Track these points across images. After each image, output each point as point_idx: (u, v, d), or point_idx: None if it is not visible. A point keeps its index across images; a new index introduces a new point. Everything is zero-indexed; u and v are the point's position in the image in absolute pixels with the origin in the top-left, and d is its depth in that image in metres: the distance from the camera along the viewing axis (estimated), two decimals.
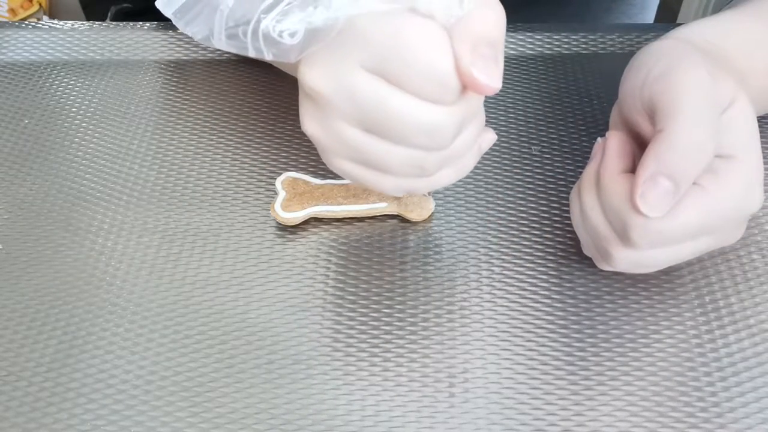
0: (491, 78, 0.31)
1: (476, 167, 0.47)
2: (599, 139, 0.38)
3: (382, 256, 0.43)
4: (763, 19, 0.42)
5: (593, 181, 0.37)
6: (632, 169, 0.34)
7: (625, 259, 0.36)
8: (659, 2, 0.75)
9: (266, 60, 0.36)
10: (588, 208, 0.37)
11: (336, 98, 0.33)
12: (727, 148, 0.34)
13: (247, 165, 0.48)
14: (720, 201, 0.34)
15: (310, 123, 0.35)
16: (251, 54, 0.35)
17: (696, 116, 0.34)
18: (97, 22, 0.58)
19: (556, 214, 0.44)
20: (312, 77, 0.33)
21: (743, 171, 0.35)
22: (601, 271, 0.41)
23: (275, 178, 0.46)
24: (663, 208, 0.33)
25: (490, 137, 0.38)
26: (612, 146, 0.37)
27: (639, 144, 0.37)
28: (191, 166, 0.48)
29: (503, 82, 0.52)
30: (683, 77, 0.35)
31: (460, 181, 0.46)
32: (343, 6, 0.31)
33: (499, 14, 0.32)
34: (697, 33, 0.40)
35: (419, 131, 0.33)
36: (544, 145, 0.48)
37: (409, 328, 0.40)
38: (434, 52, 0.31)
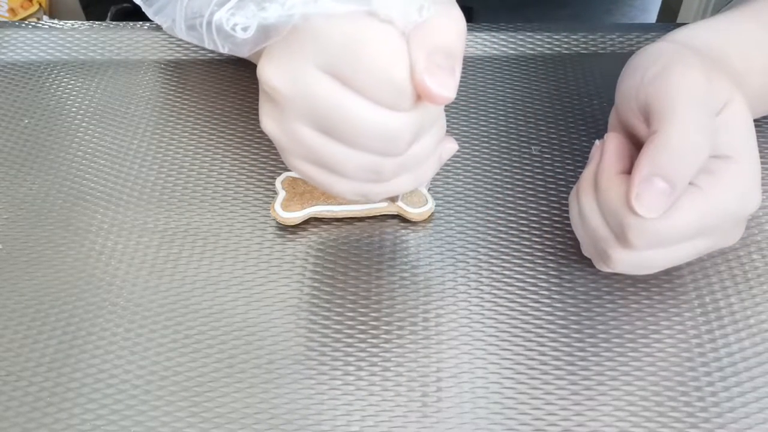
0: (445, 88, 0.31)
1: (476, 167, 0.47)
2: (597, 141, 0.38)
3: (382, 256, 0.43)
4: (760, 20, 0.42)
5: (591, 183, 0.37)
6: (630, 170, 0.35)
7: (623, 261, 0.36)
8: (660, 4, 0.76)
9: (225, 53, 0.36)
10: (586, 210, 0.37)
11: (292, 97, 0.33)
12: (723, 149, 0.34)
13: (247, 165, 0.48)
14: (717, 202, 0.34)
15: (267, 120, 0.35)
16: (208, 45, 0.35)
17: (690, 117, 0.34)
18: (97, 22, 0.58)
19: (556, 214, 0.44)
20: (270, 74, 0.33)
21: (740, 171, 0.35)
22: (601, 271, 0.41)
23: (275, 178, 0.46)
24: (659, 209, 0.33)
25: (451, 147, 0.38)
26: (610, 148, 0.37)
27: (636, 146, 0.37)
28: (191, 166, 0.48)
29: (503, 81, 0.52)
30: (678, 79, 0.35)
31: (460, 181, 0.46)
32: (298, 4, 0.31)
33: (459, 24, 0.32)
34: (694, 35, 0.40)
35: (374, 136, 0.33)
36: (544, 145, 0.48)
37: (409, 327, 0.40)
38: (390, 59, 0.31)
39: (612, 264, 0.37)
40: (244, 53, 0.34)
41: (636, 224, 0.34)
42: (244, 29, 0.32)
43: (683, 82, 0.35)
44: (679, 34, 0.40)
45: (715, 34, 0.40)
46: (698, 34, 0.40)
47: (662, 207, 0.33)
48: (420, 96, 0.32)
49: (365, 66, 0.31)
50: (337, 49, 0.32)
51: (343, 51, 0.31)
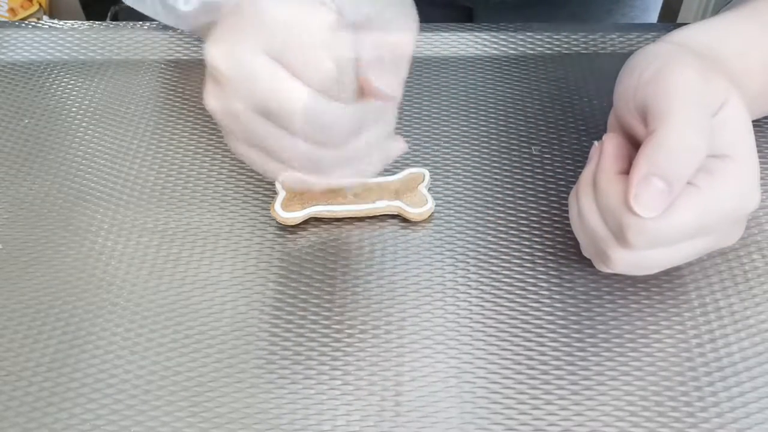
0: (387, 86, 0.32)
1: (476, 167, 0.47)
2: (596, 142, 0.38)
3: (382, 256, 0.43)
4: (758, 20, 0.42)
5: (590, 184, 0.37)
6: (629, 170, 0.35)
7: (622, 261, 0.36)
8: (662, 3, 0.76)
9: (170, 24, 0.36)
10: (585, 210, 0.37)
11: (234, 78, 0.33)
12: (721, 148, 0.34)
13: (247, 165, 0.48)
14: (716, 200, 0.34)
15: (210, 99, 0.35)
16: (154, 17, 0.35)
17: (687, 117, 0.34)
18: (97, 22, 0.58)
19: (556, 215, 0.44)
20: (214, 54, 0.33)
21: (739, 170, 0.35)
22: (601, 271, 0.41)
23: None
24: (657, 209, 0.33)
25: (400, 146, 0.38)
26: (608, 148, 0.37)
27: (635, 146, 0.37)
28: (191, 166, 0.48)
29: (503, 81, 0.52)
30: (674, 78, 0.35)
31: (460, 181, 0.46)
32: None
33: (411, 24, 0.33)
34: (691, 36, 0.40)
35: (311, 123, 0.33)
36: (544, 145, 0.48)
37: (409, 327, 0.40)
38: (328, 46, 0.31)
39: (611, 264, 0.37)
40: (186, 26, 0.34)
41: (635, 224, 0.34)
42: (186, 2, 0.32)
43: (680, 81, 0.35)
44: (676, 35, 0.40)
45: (713, 35, 0.40)
46: (696, 35, 0.40)
47: (660, 207, 0.33)
48: (363, 91, 0.32)
49: (308, 54, 0.32)
50: (281, 32, 0.32)
51: (285, 34, 0.32)
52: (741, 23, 0.42)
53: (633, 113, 0.37)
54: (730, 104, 0.35)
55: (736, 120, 0.35)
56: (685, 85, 0.34)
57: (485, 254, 0.43)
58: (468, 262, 0.42)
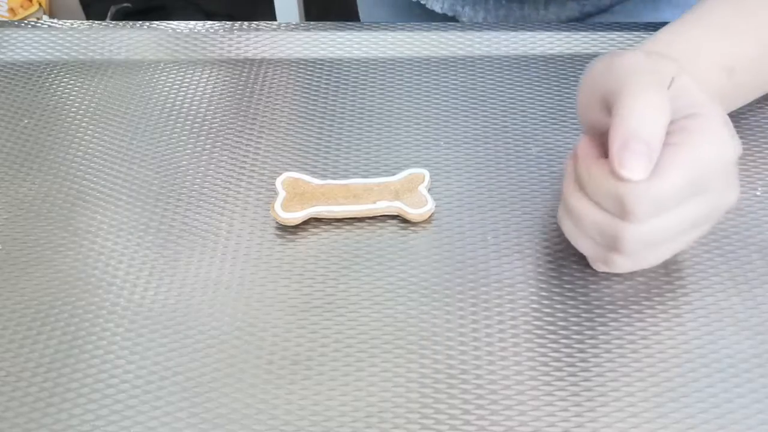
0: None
1: (476, 167, 0.47)
2: (567, 158, 0.40)
3: (382, 257, 0.43)
4: (703, 22, 0.44)
5: (575, 185, 0.38)
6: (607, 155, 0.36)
7: (634, 238, 0.36)
8: None
9: None
10: (580, 208, 0.38)
11: None
12: (687, 110, 0.36)
13: (247, 165, 0.48)
14: (697, 151, 0.35)
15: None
16: None
17: (643, 83, 0.36)
18: (97, 22, 0.58)
19: (556, 215, 0.44)
20: None
21: (709, 121, 0.36)
22: (601, 272, 0.41)
23: (275, 178, 0.46)
24: (643, 169, 0.34)
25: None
26: (583, 143, 0.38)
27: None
28: (191, 166, 0.48)
29: (503, 81, 0.52)
30: (623, 61, 0.37)
31: (460, 181, 0.46)
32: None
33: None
34: (646, 44, 0.43)
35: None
36: (545, 145, 0.48)
37: (409, 328, 0.39)
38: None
39: (624, 246, 0.37)
40: None
41: (631, 191, 0.35)
42: None
43: (629, 61, 0.37)
44: (637, 47, 0.43)
45: (664, 40, 0.43)
46: (649, 43, 0.43)
47: (645, 166, 0.34)
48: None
49: None
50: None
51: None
52: (689, 27, 0.44)
53: (597, 108, 0.38)
54: (682, 77, 0.37)
55: (692, 87, 0.37)
56: (635, 63, 0.37)
57: (485, 254, 0.43)
58: (468, 263, 0.42)
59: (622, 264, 0.38)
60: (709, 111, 0.36)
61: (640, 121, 0.35)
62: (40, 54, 0.56)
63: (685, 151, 0.35)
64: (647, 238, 0.37)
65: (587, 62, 0.52)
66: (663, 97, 0.35)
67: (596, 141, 0.38)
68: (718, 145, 0.36)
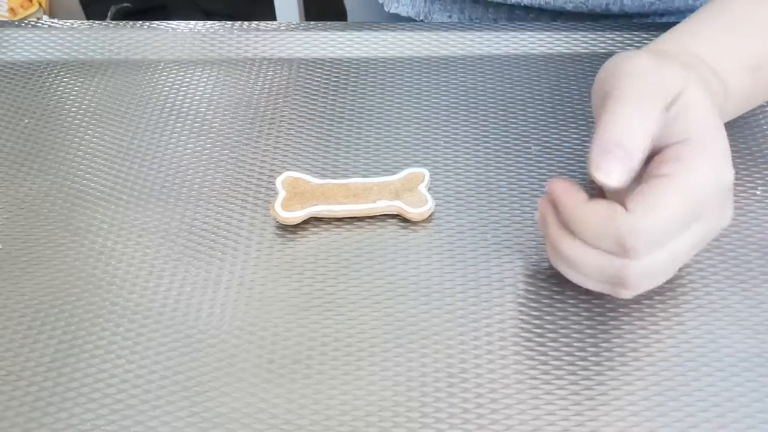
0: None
1: (476, 167, 0.47)
2: (541, 201, 0.39)
3: (382, 256, 0.43)
4: (720, 20, 0.43)
5: (562, 231, 0.37)
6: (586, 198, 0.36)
7: (637, 273, 0.36)
8: None
9: None
10: (575, 254, 0.37)
11: None
12: (685, 132, 0.36)
13: (247, 165, 0.48)
14: (690, 182, 0.35)
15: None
16: None
17: (633, 89, 0.35)
18: (97, 22, 0.58)
19: None
20: None
21: (704, 149, 0.36)
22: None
23: (275, 178, 0.46)
24: (619, 174, 0.34)
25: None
26: (558, 187, 0.37)
27: None
28: (191, 166, 0.48)
29: (503, 81, 0.52)
30: (623, 62, 0.37)
31: (460, 181, 0.46)
32: None
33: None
34: (660, 43, 0.42)
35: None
36: (545, 145, 0.48)
37: (409, 328, 0.39)
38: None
39: (629, 281, 0.36)
40: None
41: (629, 230, 0.34)
42: None
43: (631, 65, 0.36)
44: (652, 45, 0.41)
45: (685, 41, 0.42)
46: (665, 43, 0.42)
47: (619, 172, 0.34)
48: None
49: None
50: None
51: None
52: (710, 23, 0.43)
53: (599, 107, 0.38)
54: (688, 91, 0.36)
55: (697, 104, 0.36)
56: (636, 68, 0.36)
57: (485, 254, 0.43)
58: (468, 263, 0.42)
59: (628, 294, 0.38)
60: (705, 136, 0.36)
61: (623, 127, 0.34)
62: (40, 54, 0.56)
63: (677, 182, 0.35)
64: (651, 270, 0.36)
65: (587, 62, 0.52)
66: (655, 106, 0.35)
67: (571, 182, 0.37)
68: (711, 174, 0.35)
